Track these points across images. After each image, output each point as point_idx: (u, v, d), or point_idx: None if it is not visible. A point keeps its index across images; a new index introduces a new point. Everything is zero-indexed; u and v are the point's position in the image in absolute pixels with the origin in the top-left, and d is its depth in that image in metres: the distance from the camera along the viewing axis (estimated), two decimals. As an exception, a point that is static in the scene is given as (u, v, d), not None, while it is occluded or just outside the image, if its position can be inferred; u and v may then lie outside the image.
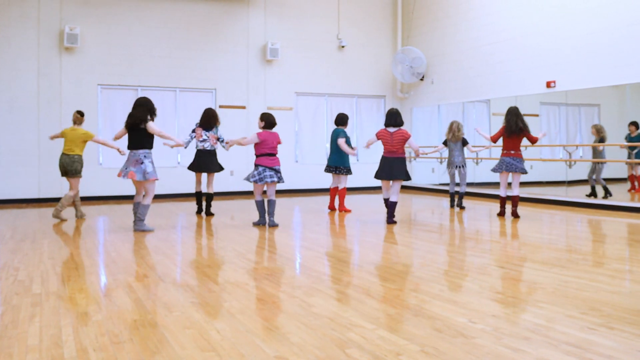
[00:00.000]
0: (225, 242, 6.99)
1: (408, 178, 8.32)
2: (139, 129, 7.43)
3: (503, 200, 8.94)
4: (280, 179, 7.99)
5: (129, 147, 7.57)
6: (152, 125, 7.43)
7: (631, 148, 10.12)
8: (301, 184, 13.99)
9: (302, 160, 14.27)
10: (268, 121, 8.03)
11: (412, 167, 15.06)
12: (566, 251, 6.28)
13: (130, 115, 7.53)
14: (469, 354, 3.05)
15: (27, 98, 11.75)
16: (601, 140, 10.48)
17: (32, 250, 6.34)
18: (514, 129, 8.70)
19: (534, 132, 9.11)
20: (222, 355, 3.07)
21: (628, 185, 10.61)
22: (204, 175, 9.81)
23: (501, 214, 8.96)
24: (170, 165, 12.85)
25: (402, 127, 8.37)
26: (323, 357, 3.03)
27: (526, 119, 8.95)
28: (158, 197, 12.66)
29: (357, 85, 14.89)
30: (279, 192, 13.73)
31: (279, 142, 8.11)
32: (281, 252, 6.30)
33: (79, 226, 8.39)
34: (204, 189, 9.50)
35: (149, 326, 3.58)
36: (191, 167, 9.31)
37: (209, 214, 9.44)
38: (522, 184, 9.31)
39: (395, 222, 8.40)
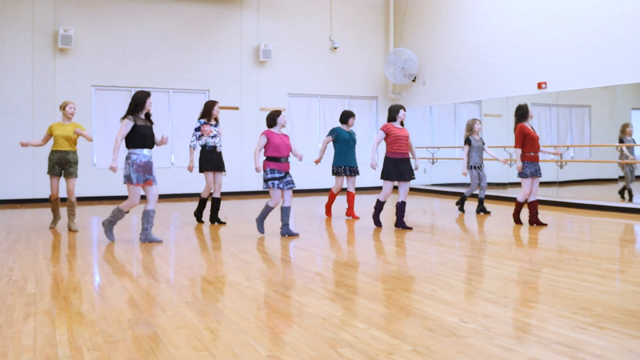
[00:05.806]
0: (219, 242, 7.00)
1: (383, 178, 7.94)
2: None
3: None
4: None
5: None
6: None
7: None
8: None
9: (295, 161, 14.24)
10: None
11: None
12: (557, 251, 6.33)
13: None
14: (460, 354, 3.08)
15: (22, 99, 11.72)
16: None
17: (27, 250, 6.33)
18: None
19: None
20: (216, 355, 3.09)
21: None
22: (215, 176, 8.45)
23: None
24: (164, 166, 12.84)
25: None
26: (316, 356, 3.06)
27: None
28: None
29: (350, 86, 14.94)
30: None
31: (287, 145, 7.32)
32: (274, 253, 6.32)
33: (72, 227, 8.36)
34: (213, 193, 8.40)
35: (142, 326, 3.59)
36: (207, 167, 8.16)
37: (218, 221, 8.49)
38: (515, 184, 9.37)
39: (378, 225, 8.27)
